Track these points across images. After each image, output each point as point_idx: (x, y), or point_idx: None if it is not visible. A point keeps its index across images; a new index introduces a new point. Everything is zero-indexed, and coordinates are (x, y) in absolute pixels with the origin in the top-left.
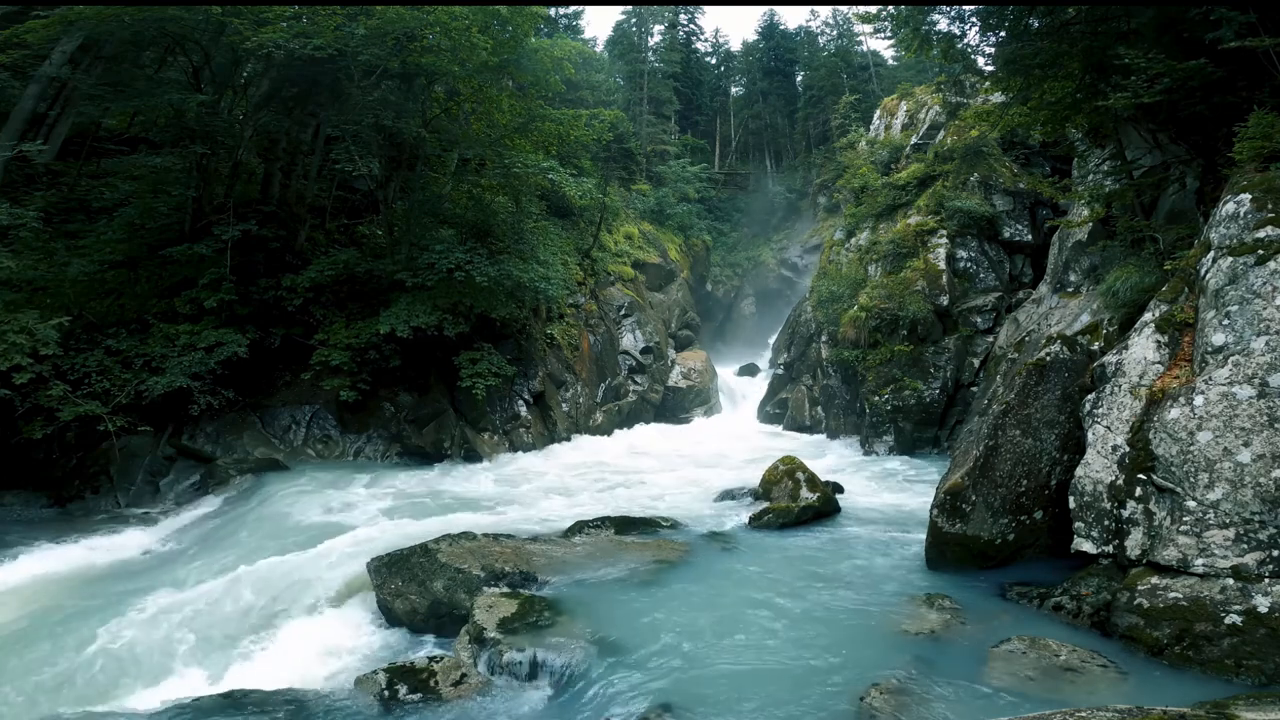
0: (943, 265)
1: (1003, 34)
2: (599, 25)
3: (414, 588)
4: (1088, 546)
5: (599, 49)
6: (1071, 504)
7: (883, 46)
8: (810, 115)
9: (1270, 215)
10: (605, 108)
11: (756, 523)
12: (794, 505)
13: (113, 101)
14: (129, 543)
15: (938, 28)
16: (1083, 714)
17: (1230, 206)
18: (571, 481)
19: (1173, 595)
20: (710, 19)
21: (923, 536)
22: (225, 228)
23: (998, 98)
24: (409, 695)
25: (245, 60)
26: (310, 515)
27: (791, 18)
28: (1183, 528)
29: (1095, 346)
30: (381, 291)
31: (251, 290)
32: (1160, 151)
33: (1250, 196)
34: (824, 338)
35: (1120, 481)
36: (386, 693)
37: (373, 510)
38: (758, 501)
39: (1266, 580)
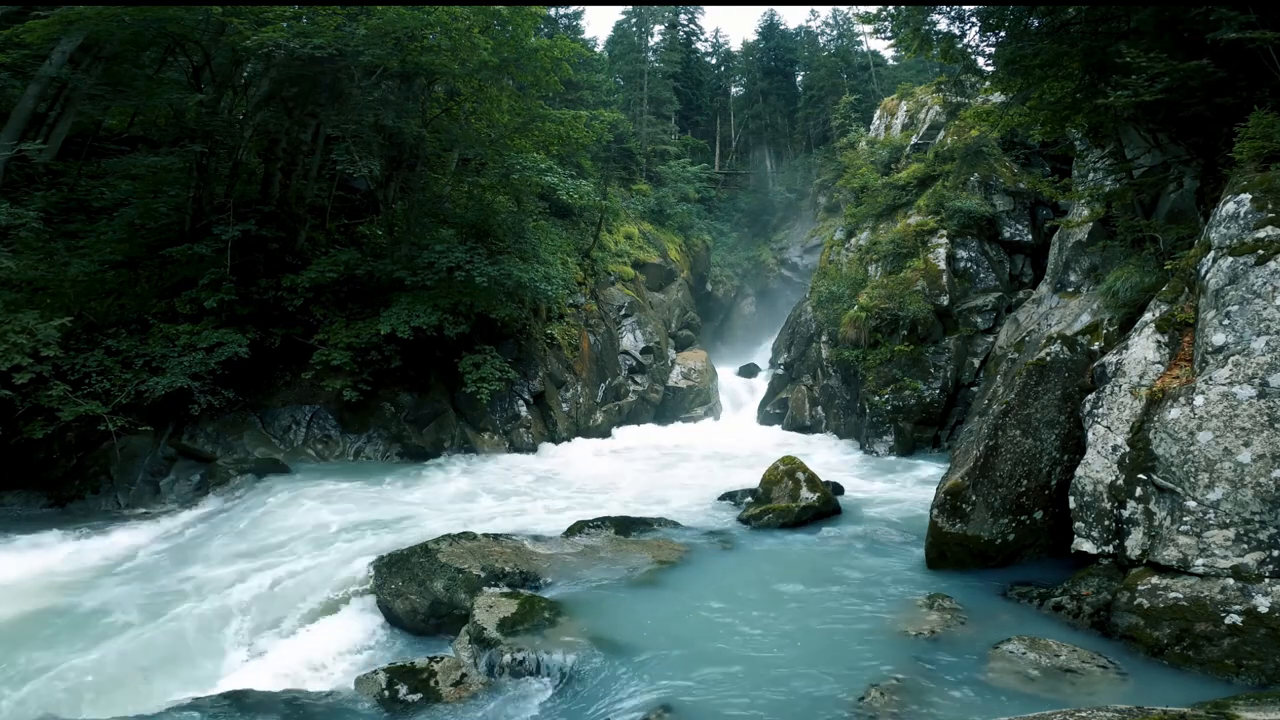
0: (943, 265)
1: (1003, 34)
2: (599, 25)
3: (414, 588)
4: (1088, 546)
5: (599, 49)
6: (1071, 504)
7: (883, 46)
8: (810, 115)
9: (1270, 215)
10: (605, 108)
11: (756, 523)
12: (794, 505)
13: (113, 101)
14: (129, 543)
15: (938, 28)
16: (1083, 714)
17: (1230, 206)
18: (572, 481)
19: (1173, 595)
20: (710, 19)
21: (923, 537)
22: (225, 228)
23: (998, 98)
24: (409, 695)
25: (245, 60)
26: (310, 515)
27: (791, 18)
28: (1183, 528)
29: (1095, 346)
30: (381, 291)
31: (251, 290)
32: (1160, 151)
33: (1250, 196)
34: (824, 338)
35: (1120, 481)
36: (386, 693)
37: (373, 510)
38: (758, 502)
39: (1266, 580)
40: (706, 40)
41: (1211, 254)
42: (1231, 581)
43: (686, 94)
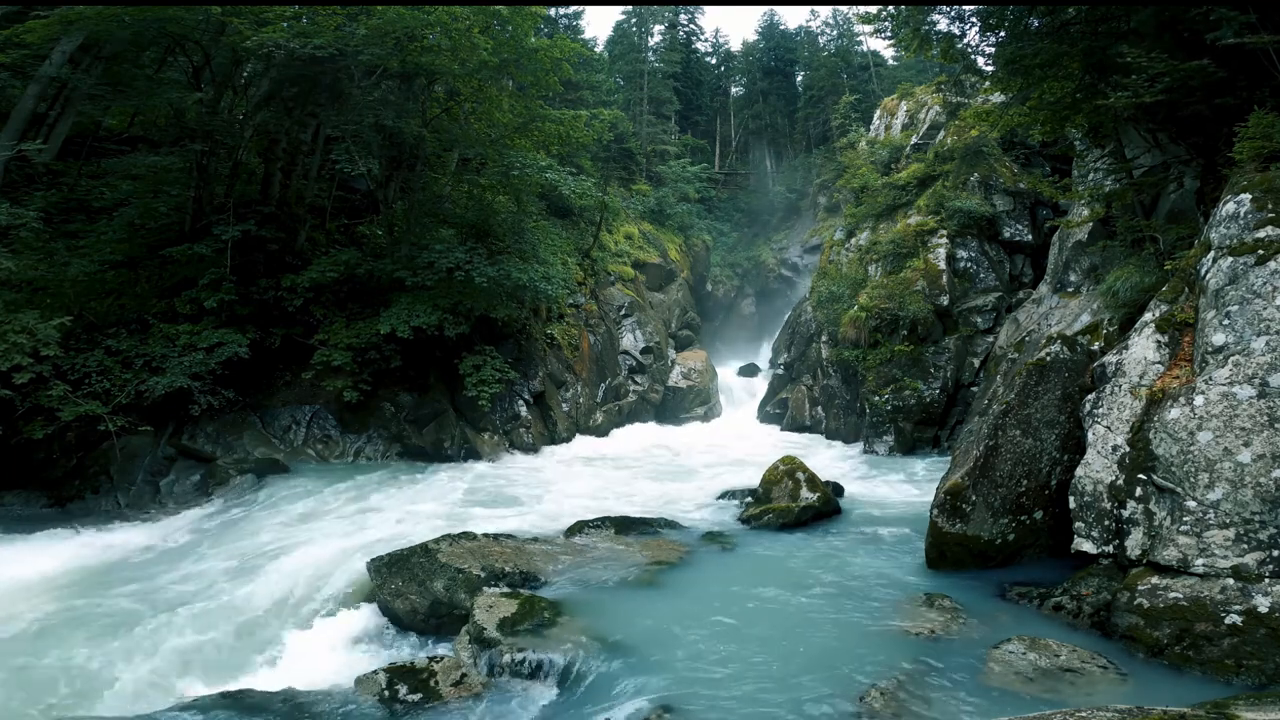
0: (943, 265)
1: (1003, 34)
2: (599, 25)
3: (414, 588)
4: (1088, 546)
5: (599, 49)
6: (1071, 504)
7: (883, 46)
8: (810, 115)
9: (1270, 215)
10: (605, 108)
11: (756, 523)
12: (794, 505)
13: (113, 101)
14: (129, 543)
15: (938, 28)
16: (1083, 714)
17: (1230, 206)
18: (571, 482)
19: (1173, 595)
20: (710, 19)
21: (923, 536)
22: (225, 228)
23: (998, 98)
24: (409, 695)
25: (245, 60)
26: (310, 515)
27: (791, 18)
28: (1183, 528)
29: (1095, 346)
30: (381, 291)
31: (252, 290)
32: (1160, 151)
33: (1250, 196)
34: (824, 338)
35: (1120, 481)
36: (386, 693)
37: (373, 510)
38: (758, 502)
39: (1266, 580)
40: (706, 40)
41: (1211, 254)
42: (1231, 581)
43: (686, 94)
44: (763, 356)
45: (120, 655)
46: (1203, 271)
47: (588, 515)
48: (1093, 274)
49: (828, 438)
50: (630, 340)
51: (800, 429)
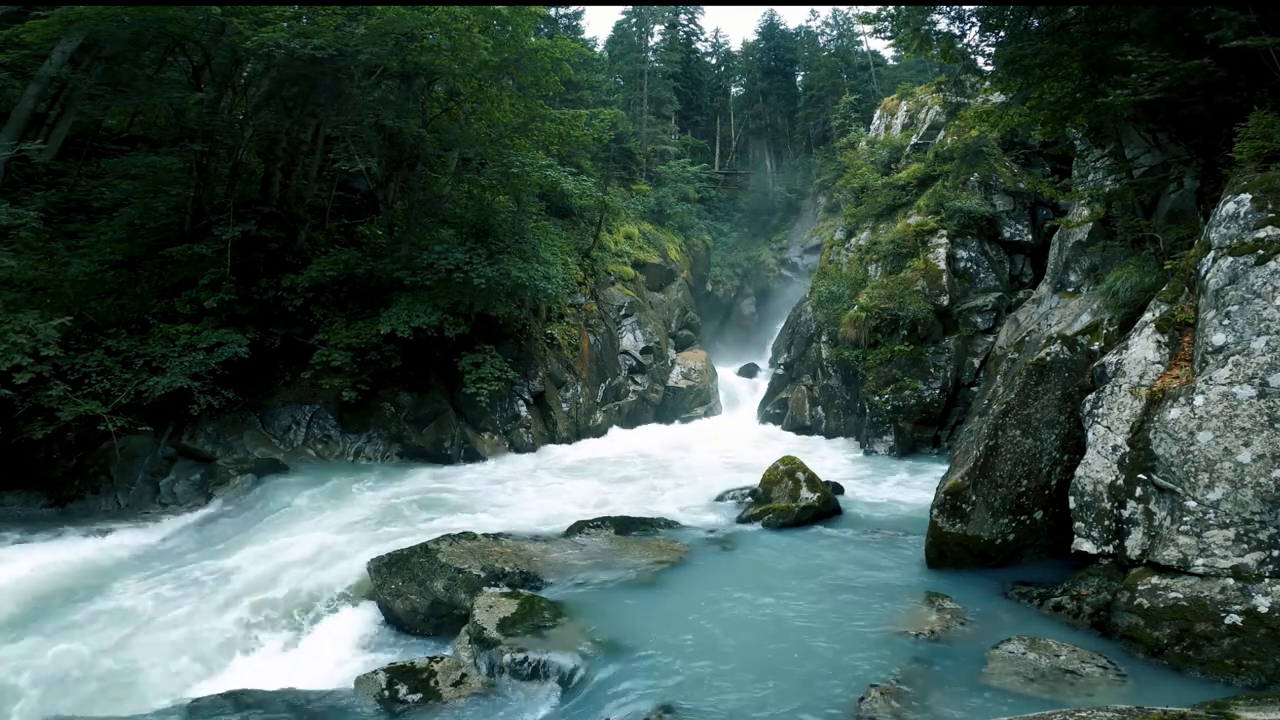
0: (943, 265)
1: (1003, 34)
2: (599, 25)
3: (414, 588)
4: (1088, 546)
5: (599, 49)
6: (1071, 504)
7: (883, 46)
8: (810, 115)
9: (1270, 215)
10: (605, 108)
11: (756, 523)
12: (794, 505)
13: (113, 101)
14: (129, 543)
15: (938, 28)
16: (1083, 714)
17: (1230, 206)
18: (571, 482)
19: (1173, 595)
20: (710, 19)
21: (923, 536)
22: (225, 228)
23: (998, 98)
24: (409, 695)
25: (245, 60)
26: (310, 515)
27: (791, 18)
28: (1183, 528)
29: (1095, 346)
30: (381, 291)
31: (251, 290)
32: (1160, 151)
33: (1250, 196)
34: (824, 338)
35: (1120, 481)
36: (386, 693)
37: (373, 510)
38: (758, 502)
39: (1266, 580)
40: (706, 40)
41: (1211, 254)
42: (1231, 581)
43: (686, 94)
44: (763, 356)
45: (118, 655)
46: (1203, 271)
47: (587, 515)
48: (1093, 274)
49: (828, 438)
50: (630, 340)
51: (800, 429)
